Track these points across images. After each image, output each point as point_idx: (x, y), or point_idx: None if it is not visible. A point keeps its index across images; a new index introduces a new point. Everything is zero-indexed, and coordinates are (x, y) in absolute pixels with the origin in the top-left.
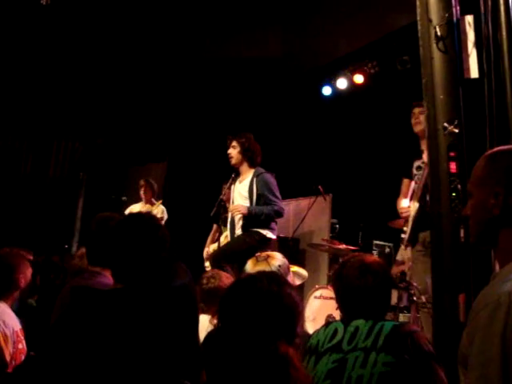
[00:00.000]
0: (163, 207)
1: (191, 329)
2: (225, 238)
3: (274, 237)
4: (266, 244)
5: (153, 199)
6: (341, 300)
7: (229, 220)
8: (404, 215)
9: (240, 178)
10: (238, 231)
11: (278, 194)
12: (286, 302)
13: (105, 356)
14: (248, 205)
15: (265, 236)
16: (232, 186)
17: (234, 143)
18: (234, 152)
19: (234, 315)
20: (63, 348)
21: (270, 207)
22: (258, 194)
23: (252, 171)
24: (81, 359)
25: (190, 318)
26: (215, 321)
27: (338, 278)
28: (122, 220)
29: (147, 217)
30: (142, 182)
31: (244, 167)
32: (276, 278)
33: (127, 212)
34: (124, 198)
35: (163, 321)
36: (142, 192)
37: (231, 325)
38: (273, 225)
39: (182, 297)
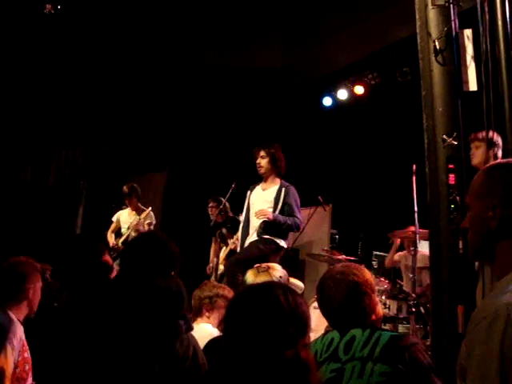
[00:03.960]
0: (152, 214)
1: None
2: (223, 252)
3: (284, 245)
4: (278, 253)
5: (139, 204)
6: (320, 310)
7: (241, 224)
8: None
9: (264, 186)
10: (253, 236)
11: (299, 209)
12: (300, 311)
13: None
14: (271, 211)
15: (278, 245)
16: (248, 192)
17: (263, 153)
18: (263, 162)
19: (248, 323)
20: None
21: (292, 219)
22: (283, 204)
23: (278, 181)
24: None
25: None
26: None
27: (317, 289)
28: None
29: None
30: (125, 190)
31: (271, 176)
32: (289, 288)
33: (114, 218)
34: (124, 207)
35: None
36: (126, 200)
37: (243, 332)
38: (285, 235)
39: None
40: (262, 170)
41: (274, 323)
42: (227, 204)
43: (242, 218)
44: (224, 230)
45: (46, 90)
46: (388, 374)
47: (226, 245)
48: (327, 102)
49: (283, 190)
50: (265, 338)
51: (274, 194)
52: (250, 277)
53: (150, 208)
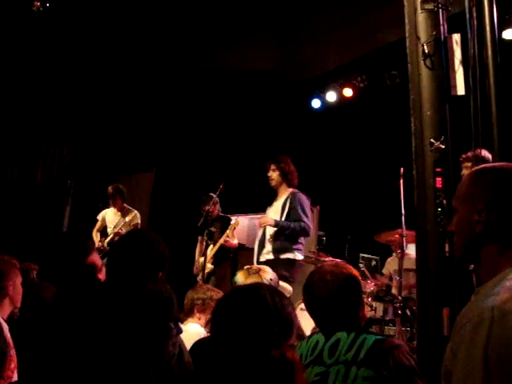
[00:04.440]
0: (138, 215)
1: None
2: (211, 250)
3: (301, 257)
4: (295, 266)
5: (125, 205)
6: (309, 313)
7: (258, 238)
8: None
9: (277, 198)
10: (268, 254)
11: (308, 214)
12: (287, 312)
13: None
14: (278, 218)
15: (295, 260)
16: (268, 207)
17: (274, 167)
18: (274, 175)
19: (235, 322)
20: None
21: (297, 223)
22: (289, 209)
23: (289, 191)
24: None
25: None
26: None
27: (304, 290)
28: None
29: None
30: (109, 190)
31: (282, 188)
32: (276, 289)
33: (100, 217)
34: (109, 206)
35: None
36: (110, 200)
37: (229, 331)
38: (299, 246)
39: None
40: (273, 183)
41: (260, 323)
42: (217, 199)
43: (259, 232)
44: (213, 228)
45: (34, 88)
46: (372, 379)
47: (214, 243)
48: (316, 103)
49: (290, 196)
50: (251, 337)
51: (281, 203)
52: (240, 278)
53: (136, 212)
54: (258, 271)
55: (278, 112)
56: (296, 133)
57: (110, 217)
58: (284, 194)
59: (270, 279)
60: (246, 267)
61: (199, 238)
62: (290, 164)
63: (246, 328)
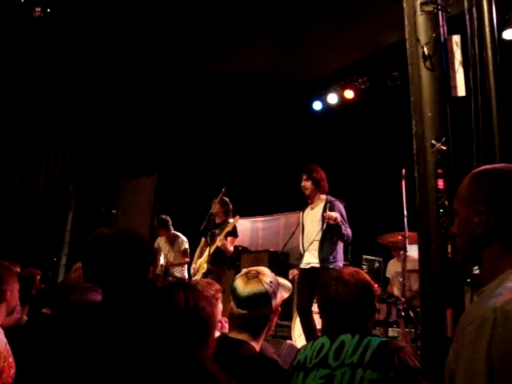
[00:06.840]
0: (185, 238)
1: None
2: (208, 251)
3: (341, 265)
4: None
5: (171, 231)
6: (321, 313)
7: (300, 244)
8: None
9: (312, 205)
10: (311, 259)
11: (347, 221)
12: (202, 314)
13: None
14: (319, 228)
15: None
16: (302, 213)
17: (306, 177)
18: (307, 184)
19: (145, 328)
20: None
21: (347, 229)
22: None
23: (324, 198)
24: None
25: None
26: None
27: (318, 291)
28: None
29: (132, 232)
30: (154, 223)
31: (316, 196)
32: (194, 289)
33: (156, 245)
34: (114, 212)
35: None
36: (156, 231)
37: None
38: (341, 256)
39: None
40: (307, 192)
41: (168, 326)
42: (231, 206)
43: (300, 238)
44: (217, 231)
45: (36, 93)
46: (378, 381)
47: (212, 244)
48: (317, 106)
49: (328, 205)
50: (164, 341)
51: (320, 211)
52: (240, 284)
53: (182, 237)
54: (257, 275)
55: (280, 114)
56: (297, 135)
57: (162, 245)
58: (320, 201)
59: (270, 282)
60: (244, 271)
61: (202, 239)
62: (320, 171)
63: (157, 332)
